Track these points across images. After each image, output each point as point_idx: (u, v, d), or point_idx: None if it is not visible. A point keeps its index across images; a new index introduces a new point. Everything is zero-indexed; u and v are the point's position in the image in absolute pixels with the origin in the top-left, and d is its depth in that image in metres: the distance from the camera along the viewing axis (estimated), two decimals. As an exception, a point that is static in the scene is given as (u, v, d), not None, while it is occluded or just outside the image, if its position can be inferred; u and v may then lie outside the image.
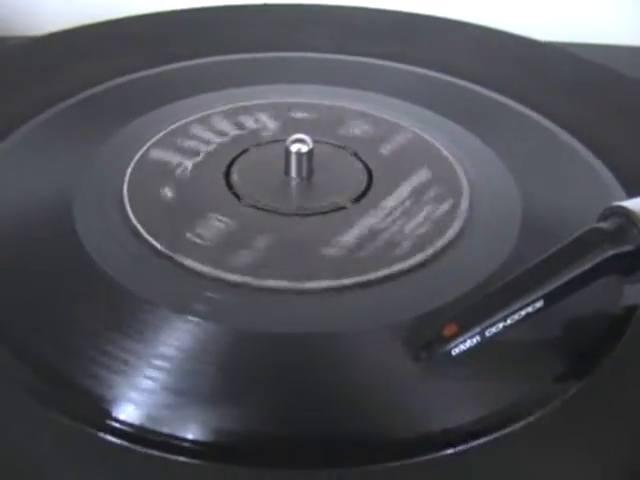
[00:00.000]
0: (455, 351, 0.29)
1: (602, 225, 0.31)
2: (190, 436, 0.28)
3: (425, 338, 0.29)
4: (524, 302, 0.29)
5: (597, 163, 0.41)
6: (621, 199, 0.34)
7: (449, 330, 0.29)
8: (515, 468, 0.28)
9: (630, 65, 0.50)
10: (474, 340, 0.29)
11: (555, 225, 0.36)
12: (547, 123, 0.44)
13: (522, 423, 0.29)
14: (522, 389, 0.30)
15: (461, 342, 0.29)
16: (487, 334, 0.29)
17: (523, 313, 0.29)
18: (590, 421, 0.29)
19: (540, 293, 0.30)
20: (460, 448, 0.28)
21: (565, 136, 0.43)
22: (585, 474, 0.28)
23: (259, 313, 0.31)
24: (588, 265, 0.30)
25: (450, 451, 0.28)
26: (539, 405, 0.29)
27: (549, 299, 0.30)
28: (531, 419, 0.29)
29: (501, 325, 0.29)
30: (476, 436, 0.28)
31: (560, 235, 0.31)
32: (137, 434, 0.28)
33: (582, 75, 0.49)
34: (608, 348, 0.32)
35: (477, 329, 0.29)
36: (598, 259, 0.30)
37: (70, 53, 0.49)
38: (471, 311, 0.30)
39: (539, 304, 0.30)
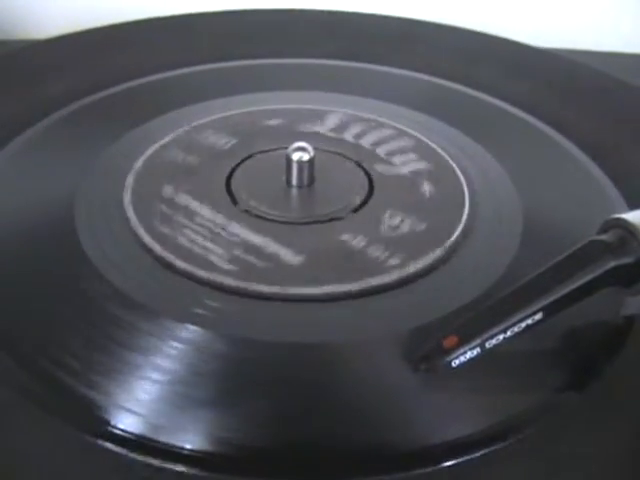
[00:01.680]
0: (455, 362, 0.29)
1: (603, 237, 0.31)
2: (189, 445, 0.28)
3: (425, 349, 0.29)
4: (524, 314, 0.29)
5: (599, 173, 0.41)
6: (623, 211, 0.34)
7: (449, 341, 0.29)
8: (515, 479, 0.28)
9: (629, 72, 0.50)
10: (474, 352, 0.29)
11: (556, 237, 0.36)
12: (551, 132, 0.44)
13: (522, 435, 0.29)
14: (522, 401, 0.30)
15: (461, 354, 0.29)
16: (487, 346, 0.29)
17: (523, 325, 0.29)
18: (591, 432, 0.29)
19: (540, 305, 0.30)
20: (460, 460, 0.28)
21: (568, 145, 0.43)
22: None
23: (258, 321, 0.31)
24: (588, 277, 0.30)
25: (449, 463, 0.28)
26: (539, 417, 0.29)
27: (549, 311, 0.30)
28: (531, 431, 0.29)
29: (501, 337, 0.29)
30: (476, 448, 0.29)
31: (561, 247, 0.31)
32: (136, 442, 0.28)
33: (585, 83, 0.49)
34: (608, 359, 0.32)
35: (477, 341, 0.29)
36: (598, 271, 0.30)
37: (71, 57, 0.49)
38: (471, 323, 0.30)
39: (539, 316, 0.30)
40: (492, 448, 0.29)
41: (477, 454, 0.28)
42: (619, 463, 0.29)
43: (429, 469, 0.28)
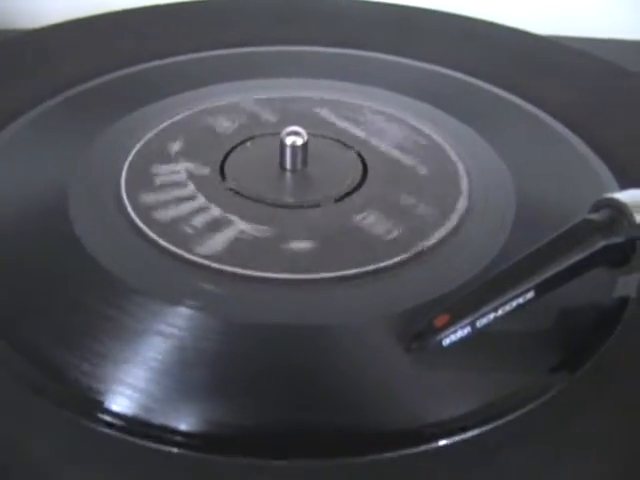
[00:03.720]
0: (446, 341, 0.29)
1: (593, 217, 0.31)
2: (184, 428, 0.28)
3: (416, 328, 0.29)
4: (515, 293, 0.29)
5: (591, 155, 0.41)
6: (614, 191, 0.34)
7: (440, 320, 0.29)
8: (507, 460, 0.28)
9: (623, 58, 0.50)
10: (465, 331, 0.29)
11: (549, 218, 0.36)
12: (542, 115, 0.44)
13: (513, 415, 0.29)
14: (514, 381, 0.30)
15: (452, 332, 0.29)
16: (478, 325, 0.29)
17: (514, 304, 0.29)
18: (583, 413, 0.29)
19: (531, 284, 0.30)
20: (452, 440, 0.28)
21: (559, 128, 0.43)
22: (577, 466, 0.28)
23: (252, 304, 0.31)
24: (579, 256, 0.30)
25: (442, 443, 0.28)
26: (531, 397, 0.30)
27: (540, 290, 0.30)
28: (523, 411, 0.29)
29: (492, 316, 0.29)
30: (468, 428, 0.29)
31: (554, 228, 0.31)
32: (131, 425, 0.29)
33: (578, 68, 0.49)
34: (601, 340, 0.32)
35: (468, 319, 0.29)
36: (589, 250, 0.30)
37: (68, 45, 0.49)
38: (462, 302, 0.30)
39: (530, 295, 0.30)
40: (484, 428, 0.29)
41: (469, 434, 0.28)
42: (613, 444, 0.29)
43: (421, 448, 0.28)
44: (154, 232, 0.34)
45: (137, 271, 0.32)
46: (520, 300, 0.30)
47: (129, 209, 0.35)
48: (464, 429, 0.29)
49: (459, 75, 0.47)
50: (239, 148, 0.39)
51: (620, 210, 0.31)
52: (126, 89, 0.45)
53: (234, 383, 0.29)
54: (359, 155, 0.39)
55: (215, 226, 0.34)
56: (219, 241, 0.33)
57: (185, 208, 0.35)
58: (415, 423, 0.29)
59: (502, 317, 0.29)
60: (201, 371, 0.30)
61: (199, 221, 0.34)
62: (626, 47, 0.58)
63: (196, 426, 0.28)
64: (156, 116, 0.41)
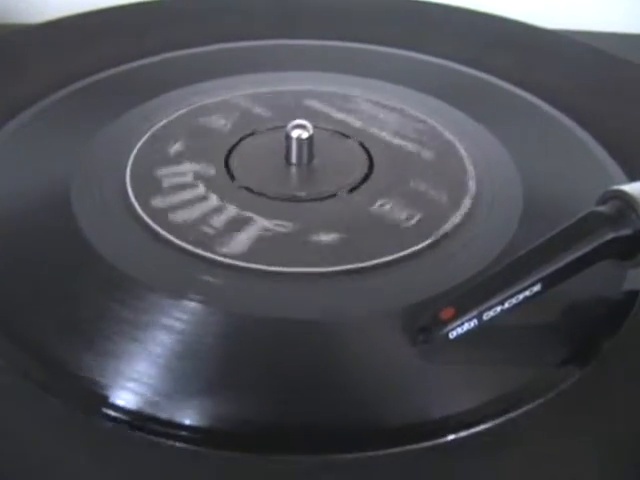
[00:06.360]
0: (452, 334, 0.29)
1: (601, 209, 0.31)
2: (187, 422, 0.28)
3: (422, 322, 0.29)
4: (522, 285, 0.29)
5: (598, 148, 0.41)
6: (622, 183, 0.34)
7: (446, 313, 0.29)
8: (515, 455, 0.28)
9: (629, 51, 0.50)
10: (472, 323, 0.29)
11: (557, 210, 0.35)
12: (549, 109, 0.43)
13: (521, 410, 0.29)
14: (522, 375, 0.30)
15: (459, 325, 0.29)
16: (485, 317, 0.29)
17: (521, 297, 0.29)
18: (592, 408, 0.29)
19: (538, 276, 0.29)
20: (459, 435, 0.28)
21: (566, 121, 0.42)
22: (585, 461, 0.28)
23: (257, 298, 0.31)
24: (586, 249, 0.30)
25: (448, 438, 0.28)
26: (539, 392, 0.29)
27: (547, 283, 0.30)
28: (531, 406, 0.29)
29: (499, 309, 0.29)
30: (475, 423, 0.28)
31: (561, 220, 0.31)
32: (134, 420, 0.29)
33: (584, 61, 0.49)
34: (610, 334, 0.32)
35: (474, 312, 0.29)
36: (596, 243, 0.30)
37: (70, 40, 0.49)
38: (468, 294, 0.29)
39: (537, 288, 0.29)
40: (490, 424, 0.28)
41: (474, 429, 0.28)
42: (619, 440, 0.28)
43: (427, 444, 0.28)
44: (158, 225, 0.34)
45: (142, 264, 0.32)
46: (527, 293, 0.29)
47: (132, 202, 0.35)
48: (470, 424, 0.28)
49: (465, 68, 0.47)
50: (245, 141, 0.39)
51: (628, 202, 0.31)
52: (128, 85, 0.45)
53: (239, 377, 0.29)
54: (365, 149, 0.39)
55: (219, 219, 0.34)
56: (223, 233, 0.33)
57: (189, 201, 0.35)
58: (421, 417, 0.29)
59: (509, 310, 0.29)
60: (205, 365, 0.29)
61: (204, 214, 0.34)
62: (632, 40, 0.58)
63: (200, 420, 0.28)
64: (162, 109, 0.41)
